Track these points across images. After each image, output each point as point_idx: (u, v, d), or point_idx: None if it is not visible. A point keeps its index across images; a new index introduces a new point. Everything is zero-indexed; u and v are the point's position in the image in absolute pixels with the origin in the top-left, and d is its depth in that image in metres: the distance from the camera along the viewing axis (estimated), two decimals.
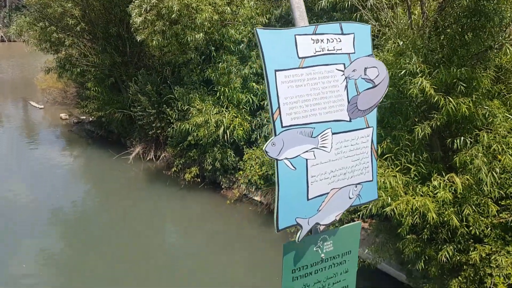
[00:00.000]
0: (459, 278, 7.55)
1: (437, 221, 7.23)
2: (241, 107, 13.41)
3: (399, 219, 7.45)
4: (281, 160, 2.52)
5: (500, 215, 7.35)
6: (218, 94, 13.35)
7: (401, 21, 7.89)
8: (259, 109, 13.25)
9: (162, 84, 15.20)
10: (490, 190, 7.09)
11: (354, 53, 2.69)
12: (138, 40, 12.90)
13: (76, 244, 11.60)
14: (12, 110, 25.10)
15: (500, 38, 7.19)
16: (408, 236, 7.78)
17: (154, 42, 12.51)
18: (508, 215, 7.33)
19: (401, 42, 7.32)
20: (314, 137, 2.58)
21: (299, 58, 2.53)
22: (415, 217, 7.24)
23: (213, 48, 13.62)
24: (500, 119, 7.45)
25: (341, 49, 2.63)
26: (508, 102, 7.65)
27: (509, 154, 6.87)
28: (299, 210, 2.62)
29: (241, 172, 13.15)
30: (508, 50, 6.93)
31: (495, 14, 6.78)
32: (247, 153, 13.06)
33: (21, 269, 10.11)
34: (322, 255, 2.84)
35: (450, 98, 7.13)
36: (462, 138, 7.46)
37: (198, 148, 13.79)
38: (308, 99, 2.55)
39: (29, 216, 12.53)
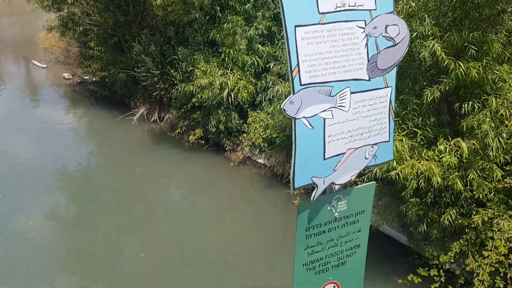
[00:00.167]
0: (460, 241, 7.68)
1: (442, 185, 7.28)
2: (246, 69, 13.27)
3: (404, 183, 7.51)
4: (298, 119, 2.49)
5: (505, 180, 7.39)
6: (222, 55, 13.18)
7: None
8: (264, 71, 13.11)
9: (166, 45, 14.98)
10: (495, 155, 7.13)
11: (375, 9, 2.63)
12: None
13: (81, 202, 11.77)
14: (14, 69, 24.89)
15: None
16: (411, 200, 7.85)
17: (158, 0, 12.26)
18: None
19: (413, 4, 7.17)
20: (333, 96, 2.56)
21: (320, 13, 2.46)
22: (420, 181, 7.29)
23: (218, 8, 13.34)
24: (509, 84, 7.42)
25: (362, 5, 2.57)
26: None
27: None
28: (315, 169, 2.63)
29: (245, 134, 13.15)
30: None
31: None
32: (251, 116, 13.03)
33: (27, 225, 10.28)
34: (336, 214, 2.87)
35: (460, 62, 7.05)
36: (470, 102, 7.43)
37: (202, 110, 13.74)
38: (328, 56, 2.50)
39: (35, 174, 12.64)
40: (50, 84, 21.69)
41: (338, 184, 2.76)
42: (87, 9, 16.37)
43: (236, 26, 12.91)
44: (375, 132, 2.77)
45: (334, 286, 3.07)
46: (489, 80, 7.31)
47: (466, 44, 7.05)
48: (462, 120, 7.51)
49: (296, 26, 2.41)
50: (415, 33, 7.00)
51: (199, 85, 12.76)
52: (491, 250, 7.16)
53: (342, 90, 2.57)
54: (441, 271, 7.56)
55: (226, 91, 12.77)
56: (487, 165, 7.32)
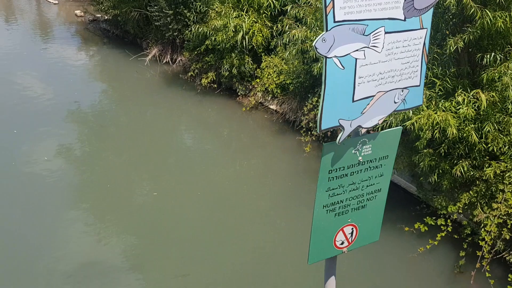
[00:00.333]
0: (470, 192, 7.72)
1: (456, 137, 7.25)
2: (261, 11, 12.93)
3: (418, 134, 7.48)
4: (330, 58, 2.42)
5: None
6: None
7: None
8: (280, 14, 12.77)
9: None
10: None
11: None
12: None
13: (93, 139, 11.91)
14: (25, 5, 24.44)
15: None
16: (424, 150, 7.84)
17: None
18: None
19: None
20: (366, 35, 2.47)
21: None
22: (435, 132, 7.25)
23: None
24: None
25: None
26: None
27: None
28: (343, 111, 2.59)
29: (258, 80, 13.02)
30: None
31: None
32: (265, 61, 12.83)
33: (42, 161, 10.46)
34: (360, 158, 2.85)
35: (487, 11, 6.82)
36: (492, 54, 7.24)
37: (215, 54, 13.52)
38: None
39: (47, 111, 12.71)
40: (62, 21, 21.35)
41: (364, 128, 2.74)
42: None
43: None
44: (406, 76, 2.70)
45: (352, 228, 3.12)
46: None
47: None
48: (483, 72, 7.35)
49: None
50: None
51: (213, 26, 12.51)
52: (500, 202, 7.21)
53: (376, 29, 2.48)
54: (448, 220, 7.66)
55: (241, 34, 12.52)
56: (505, 118, 7.25)
